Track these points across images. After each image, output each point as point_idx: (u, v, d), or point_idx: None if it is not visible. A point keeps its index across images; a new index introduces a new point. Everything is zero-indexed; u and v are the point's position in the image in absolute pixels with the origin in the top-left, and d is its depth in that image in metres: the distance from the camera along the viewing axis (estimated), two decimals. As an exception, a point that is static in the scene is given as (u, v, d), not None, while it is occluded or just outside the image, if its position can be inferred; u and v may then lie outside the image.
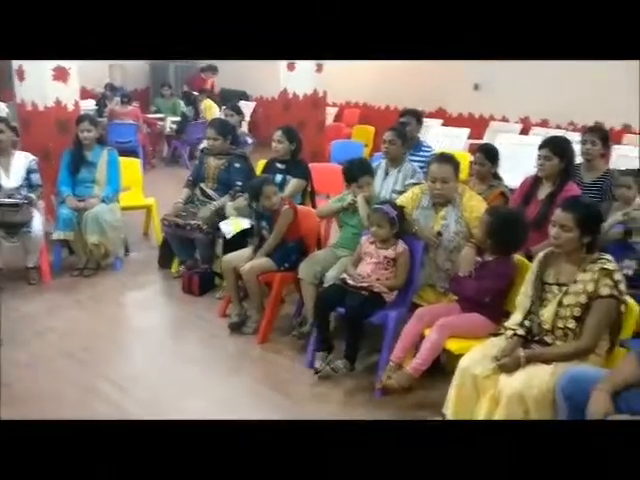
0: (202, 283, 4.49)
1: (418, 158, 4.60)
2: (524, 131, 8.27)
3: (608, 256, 2.57)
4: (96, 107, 9.14)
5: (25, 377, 3.25)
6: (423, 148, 4.86)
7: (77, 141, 4.82)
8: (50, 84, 5.29)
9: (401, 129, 4.47)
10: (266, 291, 3.90)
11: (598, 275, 2.49)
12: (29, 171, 4.63)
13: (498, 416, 2.44)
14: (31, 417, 2.71)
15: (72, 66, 5.37)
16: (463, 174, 5.15)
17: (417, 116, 4.99)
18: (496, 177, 4.21)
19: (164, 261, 4.96)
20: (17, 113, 5.65)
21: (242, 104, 10.94)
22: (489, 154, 4.09)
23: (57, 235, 4.67)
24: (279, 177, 4.52)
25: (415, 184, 3.94)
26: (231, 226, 4.27)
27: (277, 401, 3.15)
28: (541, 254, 2.72)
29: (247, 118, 10.49)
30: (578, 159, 4.27)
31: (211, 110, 9.13)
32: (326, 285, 3.51)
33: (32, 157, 4.72)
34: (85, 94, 9.98)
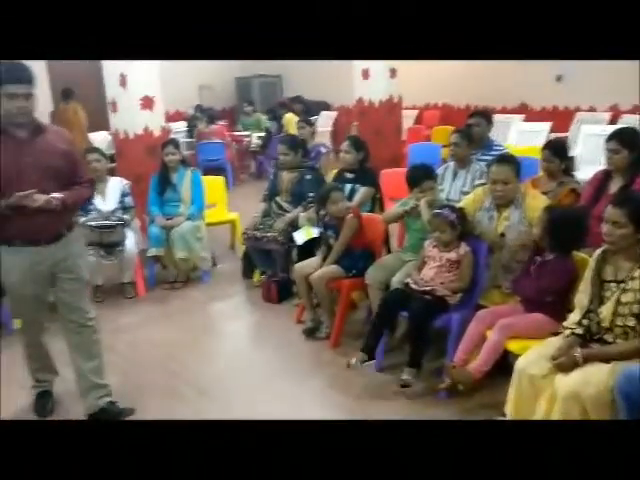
0: (280, 291, 4.72)
1: (490, 157, 4.56)
2: (613, 120, 7.88)
3: (668, 250, 2.49)
4: (187, 128, 9.70)
5: (118, 380, 3.58)
6: (495, 147, 4.82)
7: (163, 164, 5.22)
8: (138, 113, 5.75)
9: (466, 130, 4.49)
10: (336, 297, 4.04)
11: (657, 271, 2.43)
12: (123, 194, 5.04)
13: (555, 416, 2.43)
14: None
15: (157, 94, 5.82)
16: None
17: (486, 116, 4.95)
18: (567, 173, 4.10)
19: (247, 272, 5.25)
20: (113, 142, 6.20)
21: (324, 114, 11.26)
22: (556, 150, 3.99)
23: (150, 252, 5.10)
24: (348, 186, 4.66)
25: (484, 184, 3.94)
26: (303, 234, 4.49)
27: (346, 404, 3.29)
28: (598, 251, 2.67)
29: (329, 128, 10.77)
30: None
31: (292, 123, 9.39)
32: (391, 290, 3.60)
33: (126, 181, 5.15)
34: (177, 116, 10.67)
